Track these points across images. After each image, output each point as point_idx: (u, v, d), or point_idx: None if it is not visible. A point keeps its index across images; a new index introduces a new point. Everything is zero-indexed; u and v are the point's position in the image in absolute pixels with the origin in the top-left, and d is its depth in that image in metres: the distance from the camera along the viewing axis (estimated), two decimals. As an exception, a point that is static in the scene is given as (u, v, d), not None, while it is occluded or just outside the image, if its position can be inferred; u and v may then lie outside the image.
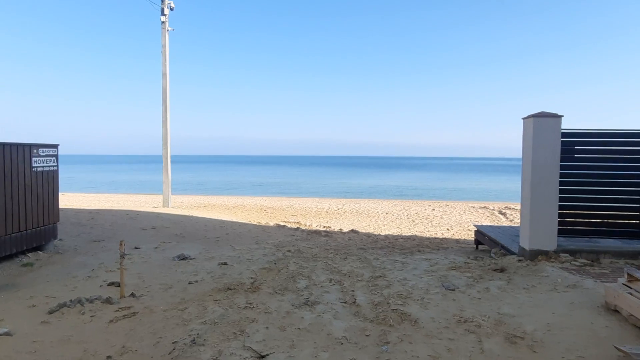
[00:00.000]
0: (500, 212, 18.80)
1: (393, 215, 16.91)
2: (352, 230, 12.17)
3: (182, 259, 6.94)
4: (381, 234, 12.10)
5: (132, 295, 5.00)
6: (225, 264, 6.59)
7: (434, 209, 19.77)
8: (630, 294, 3.98)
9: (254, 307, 4.49)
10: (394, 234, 12.10)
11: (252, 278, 5.70)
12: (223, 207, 18.32)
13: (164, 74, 14.15)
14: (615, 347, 3.36)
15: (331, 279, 5.66)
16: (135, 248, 7.97)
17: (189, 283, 5.56)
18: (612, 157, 6.79)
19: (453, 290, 5.14)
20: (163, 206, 14.52)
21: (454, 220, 15.88)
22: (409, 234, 12.14)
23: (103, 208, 13.51)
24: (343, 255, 7.54)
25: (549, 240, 6.57)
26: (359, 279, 5.75)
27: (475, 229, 9.68)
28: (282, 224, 13.15)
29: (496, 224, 14.70)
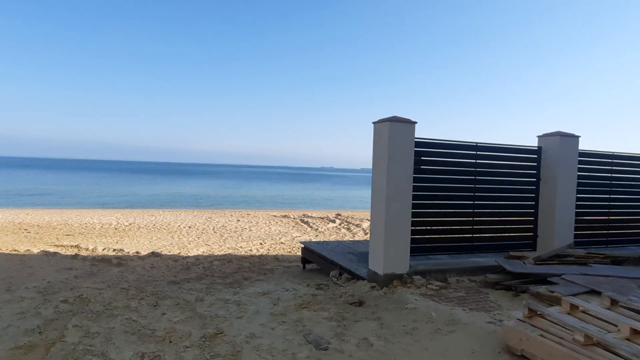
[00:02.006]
0: (302, 221, 18.75)
1: (197, 229, 14.89)
2: (153, 252, 9.80)
3: None
4: (189, 254, 10.11)
5: None
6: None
7: (238, 220, 18.49)
8: (543, 335, 3.32)
9: None
10: (205, 254, 10.26)
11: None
12: (-45, 226, 13.11)
13: None
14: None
15: (143, 354, 3.64)
16: None
17: None
18: (449, 169, 6.61)
19: (326, 349, 3.80)
20: None
21: (264, 232, 14.88)
22: (222, 253, 10.48)
23: None
24: (151, 299, 5.43)
25: (403, 262, 5.92)
26: (186, 344, 3.89)
27: (302, 245, 8.71)
28: (52, 249, 9.78)
29: (315, 238, 14.28)
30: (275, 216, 21.29)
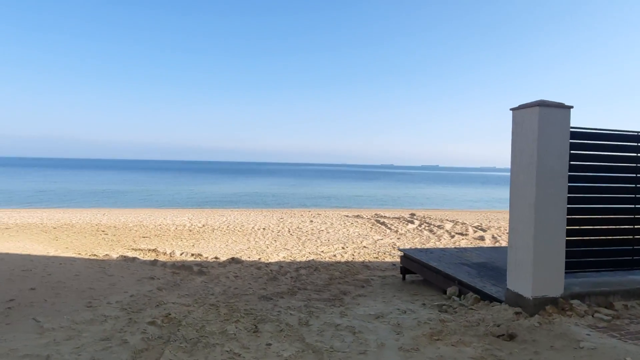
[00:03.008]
0: (378, 222, 17.55)
1: (272, 231, 14.16)
2: (234, 259, 9.06)
3: None
4: (270, 260, 9.28)
5: None
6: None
7: (311, 220, 17.63)
8: None
9: None
10: (287, 260, 9.40)
11: None
12: (39, 227, 13.24)
13: None
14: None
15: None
16: None
17: None
18: (605, 165, 5.17)
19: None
20: None
21: (342, 234, 13.86)
22: (305, 259, 9.56)
23: None
24: (248, 321, 4.54)
25: (557, 282, 4.61)
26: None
27: (402, 253, 7.56)
28: (130, 254, 9.34)
29: (397, 241, 13.07)
30: (347, 216, 20.26)
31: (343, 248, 11.28)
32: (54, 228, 13.18)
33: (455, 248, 9.45)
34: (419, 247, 11.65)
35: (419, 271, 7.00)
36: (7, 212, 18.58)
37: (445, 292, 5.95)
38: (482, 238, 13.61)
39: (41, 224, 14.21)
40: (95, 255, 8.88)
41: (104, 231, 12.89)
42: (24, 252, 8.40)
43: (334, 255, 10.16)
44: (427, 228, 15.73)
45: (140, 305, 5.12)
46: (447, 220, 18.38)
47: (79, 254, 8.99)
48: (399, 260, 8.00)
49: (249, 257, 9.54)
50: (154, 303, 5.23)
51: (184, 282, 6.70)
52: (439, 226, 16.16)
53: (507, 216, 5.51)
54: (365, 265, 8.92)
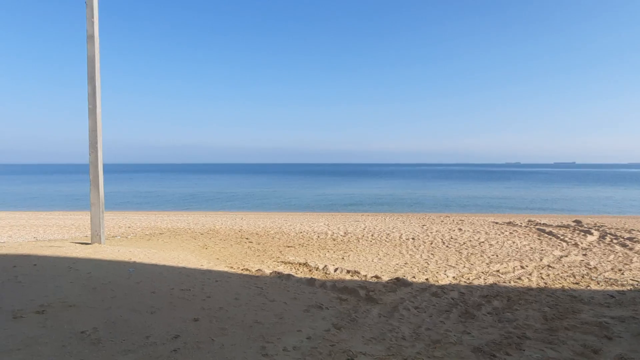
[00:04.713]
0: (543, 231, 14.76)
1: (423, 241, 12.48)
2: (399, 280, 7.61)
3: None
4: (440, 282, 7.65)
5: None
6: None
7: (460, 229, 15.52)
8: None
9: None
10: (462, 283, 7.67)
11: None
12: (188, 233, 13.35)
13: (91, 37, 9.14)
14: None
15: None
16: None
17: None
18: None
19: None
20: (92, 242, 9.44)
21: (508, 247, 11.62)
22: (483, 282, 7.73)
23: None
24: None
25: None
26: None
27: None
28: (281, 268, 8.46)
29: (584, 258, 10.48)
30: (496, 223, 17.70)
31: (522, 267, 9.16)
32: (201, 234, 13.15)
33: None
34: (621, 267, 9.02)
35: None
36: (160, 215, 19.67)
37: None
38: None
39: (189, 229, 14.40)
40: (247, 269, 8.13)
41: (247, 239, 12.46)
42: (179, 265, 7.94)
43: (518, 279, 8.13)
44: (615, 241, 12.64)
45: (325, 356, 3.89)
46: (636, 230, 14.82)
47: (231, 267, 8.32)
48: (614, 288, 5.79)
49: (414, 277, 8.00)
50: (339, 352, 3.96)
51: (358, 314, 5.40)
52: (631, 238, 12.92)
53: None
54: (571, 296, 6.79)
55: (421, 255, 10.40)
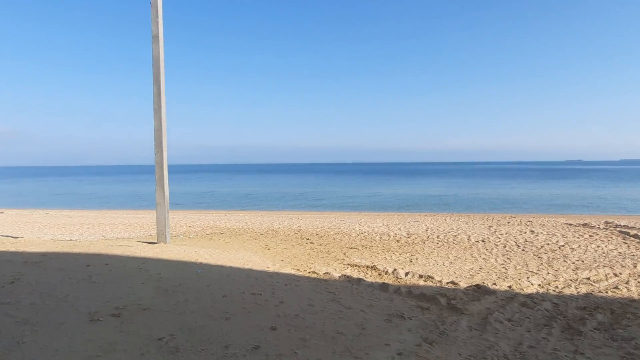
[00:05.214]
0: (627, 234, 13.43)
1: (494, 244, 11.66)
2: (479, 287, 7.00)
3: None
4: (527, 291, 6.94)
5: None
6: None
7: (532, 231, 14.46)
8: None
9: None
10: (551, 292, 6.92)
11: None
12: (248, 232, 13.28)
13: (156, 37, 9.16)
14: None
15: None
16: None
17: None
18: None
19: None
20: (158, 241, 9.49)
21: (594, 252, 10.57)
22: (575, 292, 6.94)
23: (58, 252, 8.19)
24: None
25: None
26: None
27: None
28: (349, 272, 8.07)
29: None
30: (570, 224, 16.40)
31: (616, 275, 8.22)
32: (261, 234, 13.02)
33: None
34: None
35: None
36: (218, 215, 19.90)
37: None
38: None
39: (248, 228, 14.35)
40: (314, 272, 7.80)
41: (308, 239, 12.18)
42: (245, 266, 7.74)
43: (615, 288, 7.25)
44: None
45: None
46: None
47: (298, 270, 8.03)
48: None
49: (495, 284, 7.34)
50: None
51: (446, 326, 4.89)
52: None
53: None
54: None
55: (496, 259, 9.65)
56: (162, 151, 9.32)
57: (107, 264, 6.86)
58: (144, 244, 9.45)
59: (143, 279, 6.03)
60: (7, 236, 11.86)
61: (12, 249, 7.91)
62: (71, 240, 11.25)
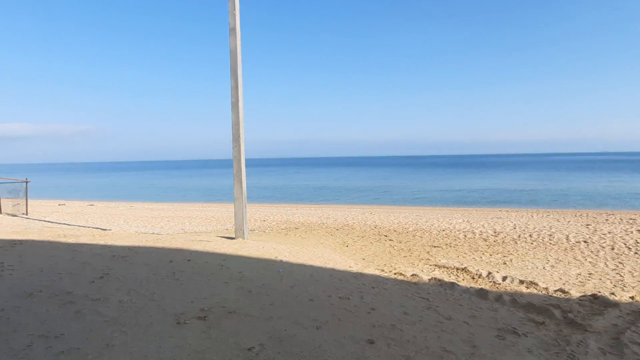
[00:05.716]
0: None
1: (599, 245, 10.37)
2: (595, 296, 6.06)
3: None
4: (654, 303, 5.88)
5: None
6: None
7: (628, 229, 12.79)
8: None
9: None
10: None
11: None
12: (323, 228, 12.97)
13: (233, 29, 9.01)
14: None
15: None
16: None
17: None
18: None
19: None
20: (236, 236, 9.41)
21: None
22: None
23: (143, 245, 8.34)
24: None
25: None
26: None
27: None
28: (438, 274, 7.41)
29: None
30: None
31: None
32: (337, 230, 12.65)
33: None
34: None
35: None
36: (290, 209, 19.86)
37: None
38: None
39: (323, 224, 14.04)
40: (400, 274, 7.23)
41: (386, 236, 11.59)
42: (326, 265, 7.36)
43: None
44: None
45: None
46: None
47: (382, 270, 7.52)
48: None
49: (614, 294, 6.35)
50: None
51: (572, 348, 4.14)
52: None
53: None
54: None
55: (606, 264, 8.49)
56: (239, 145, 9.19)
57: (189, 260, 6.78)
58: (222, 239, 9.40)
59: (225, 278, 5.82)
60: (98, 228, 12.46)
61: (102, 242, 8.13)
62: (154, 233, 11.56)
